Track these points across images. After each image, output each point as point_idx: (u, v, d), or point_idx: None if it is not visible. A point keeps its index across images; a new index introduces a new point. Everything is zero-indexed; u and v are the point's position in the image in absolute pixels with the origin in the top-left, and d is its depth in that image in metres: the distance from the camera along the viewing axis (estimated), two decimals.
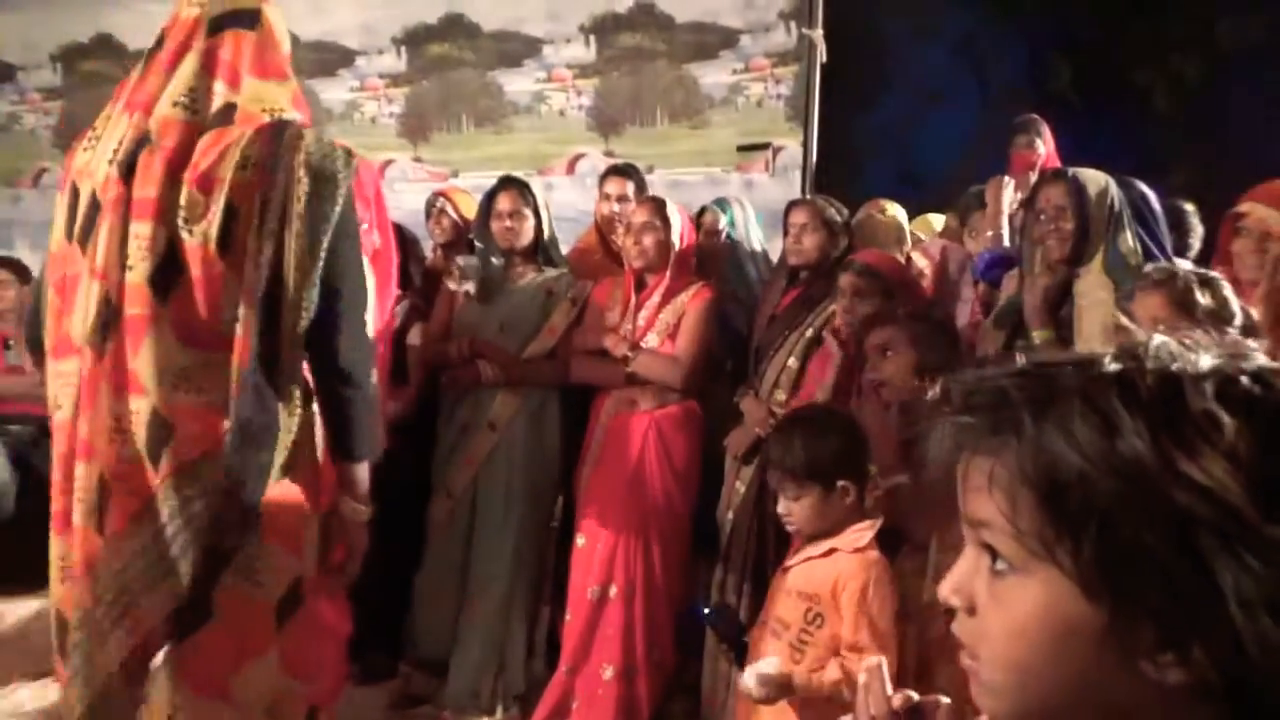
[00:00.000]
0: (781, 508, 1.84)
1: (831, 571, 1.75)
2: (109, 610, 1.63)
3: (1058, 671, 0.55)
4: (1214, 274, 2.01)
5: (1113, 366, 0.56)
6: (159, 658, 1.63)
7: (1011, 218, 3.20)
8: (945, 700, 0.72)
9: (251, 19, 1.79)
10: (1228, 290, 1.96)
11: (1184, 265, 2.07)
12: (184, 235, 1.60)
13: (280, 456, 1.65)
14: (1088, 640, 0.54)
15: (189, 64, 1.72)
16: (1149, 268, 2.14)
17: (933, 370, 2.09)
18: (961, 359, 2.21)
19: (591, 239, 3.39)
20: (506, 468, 2.84)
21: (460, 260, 3.01)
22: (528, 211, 2.92)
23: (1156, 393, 0.54)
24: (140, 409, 1.61)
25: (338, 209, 1.63)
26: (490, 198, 2.97)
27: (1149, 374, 0.55)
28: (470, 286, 2.93)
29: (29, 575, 3.89)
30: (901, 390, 2.08)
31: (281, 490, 1.66)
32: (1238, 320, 1.91)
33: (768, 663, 1.74)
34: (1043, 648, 0.55)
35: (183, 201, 1.60)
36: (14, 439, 3.91)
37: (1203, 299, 1.89)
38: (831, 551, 1.78)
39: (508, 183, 2.96)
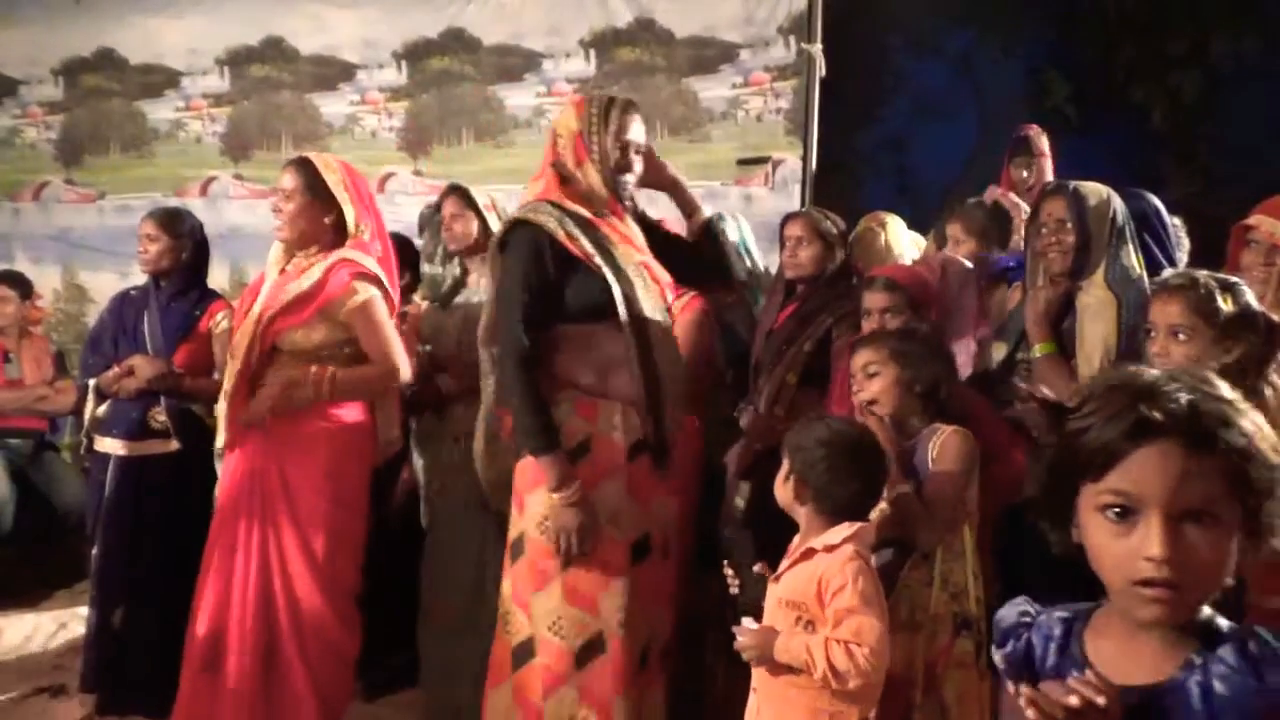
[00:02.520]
0: (779, 478, 1.86)
1: (813, 573, 1.74)
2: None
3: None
4: (1235, 279, 1.97)
5: None
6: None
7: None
8: None
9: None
10: (1249, 295, 1.93)
11: (1204, 270, 2.02)
12: None
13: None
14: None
15: None
16: (1168, 273, 2.10)
17: (919, 384, 2.10)
18: (949, 370, 2.22)
19: None
20: (467, 478, 2.81)
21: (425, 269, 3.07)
22: (470, 214, 2.94)
23: None
24: None
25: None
26: (437, 208, 3.01)
27: None
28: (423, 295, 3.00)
29: (27, 590, 3.89)
30: (892, 407, 2.09)
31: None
32: (1259, 324, 1.88)
33: (750, 622, 1.78)
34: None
35: None
36: (12, 454, 3.89)
37: (1224, 305, 1.87)
38: (810, 552, 1.77)
39: (450, 190, 3.01)
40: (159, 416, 2.89)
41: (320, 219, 2.53)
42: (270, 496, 2.47)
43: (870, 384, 2.12)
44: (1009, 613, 1.09)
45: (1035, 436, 2.31)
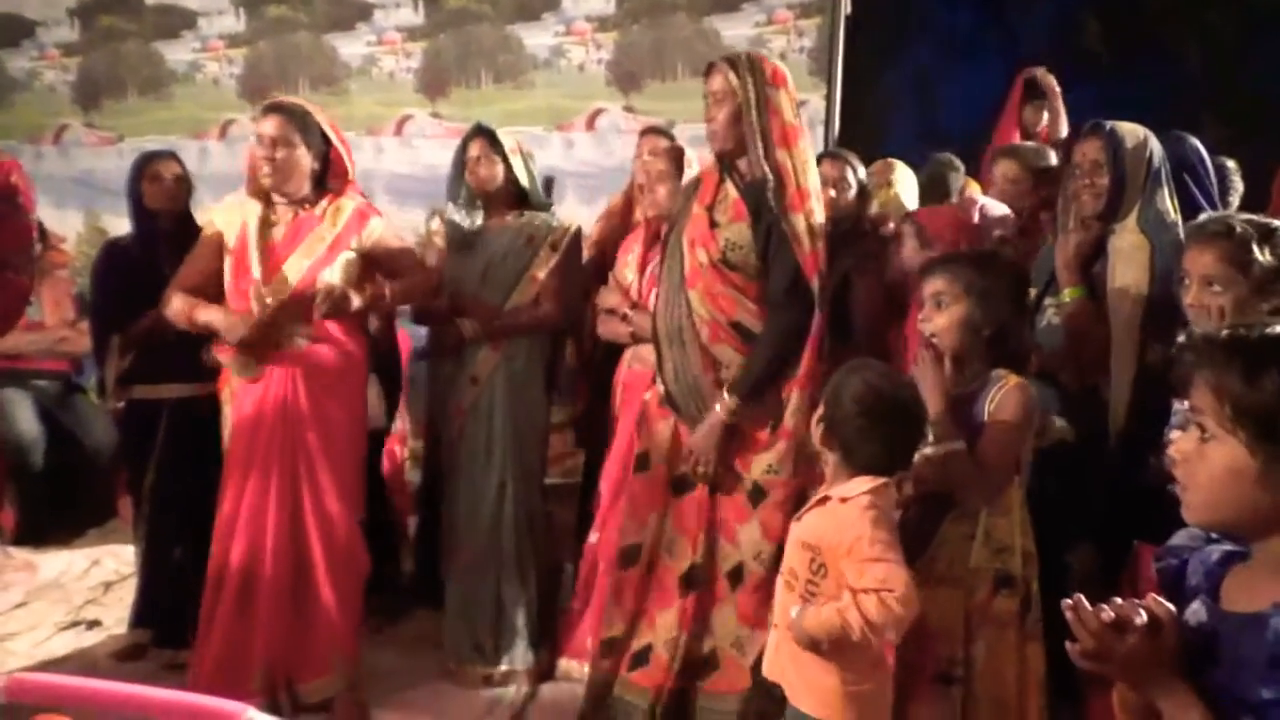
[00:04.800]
0: (814, 418, 1.84)
1: (829, 521, 1.73)
2: None
3: (1230, 495, 1.01)
4: (1277, 224, 1.88)
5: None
6: None
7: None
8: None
9: None
10: None
11: (1243, 215, 1.93)
12: None
13: None
14: (1248, 478, 0.99)
15: None
16: (1204, 217, 2.01)
17: (988, 327, 1.92)
18: (1024, 314, 2.06)
19: (618, 202, 3.33)
20: (488, 418, 2.85)
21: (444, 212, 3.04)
22: (495, 156, 2.90)
23: None
24: None
25: None
26: (462, 148, 2.97)
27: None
28: (439, 236, 3.00)
29: (61, 527, 3.97)
30: (952, 347, 1.96)
31: None
32: None
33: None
34: (1223, 481, 1.01)
35: None
36: (41, 395, 3.94)
37: (1261, 256, 1.80)
38: (825, 499, 1.76)
39: (476, 131, 2.96)
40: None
41: (309, 166, 2.51)
42: (297, 422, 2.48)
43: (937, 316, 1.96)
44: (1182, 535, 1.18)
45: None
